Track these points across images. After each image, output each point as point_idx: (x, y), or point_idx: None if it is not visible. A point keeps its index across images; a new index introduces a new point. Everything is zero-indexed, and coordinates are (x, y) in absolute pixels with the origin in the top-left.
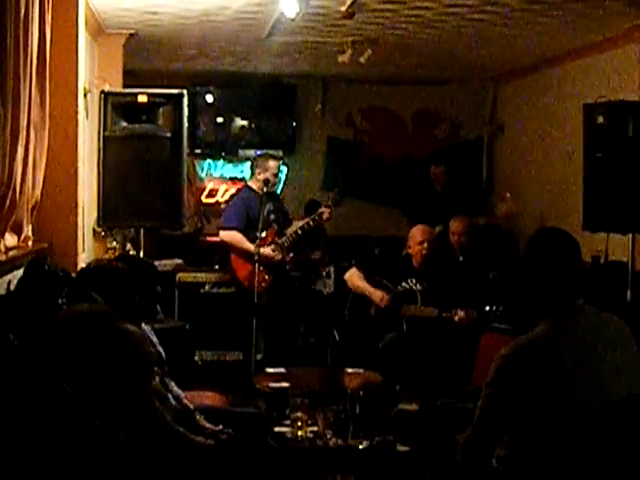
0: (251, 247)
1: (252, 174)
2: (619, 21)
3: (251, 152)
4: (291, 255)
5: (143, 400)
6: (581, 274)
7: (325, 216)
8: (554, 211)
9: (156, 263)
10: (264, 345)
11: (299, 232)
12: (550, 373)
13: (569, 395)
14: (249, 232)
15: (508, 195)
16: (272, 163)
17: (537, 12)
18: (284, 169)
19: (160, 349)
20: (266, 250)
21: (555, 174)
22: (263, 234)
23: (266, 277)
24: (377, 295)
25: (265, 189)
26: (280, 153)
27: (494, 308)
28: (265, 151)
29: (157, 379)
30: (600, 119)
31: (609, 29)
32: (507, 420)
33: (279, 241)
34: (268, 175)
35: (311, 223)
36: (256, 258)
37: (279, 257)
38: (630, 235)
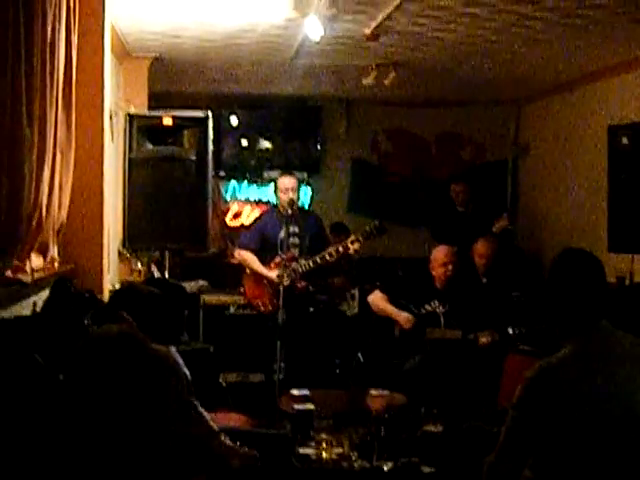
0: (260, 269)
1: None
2: None
3: (275, 174)
4: (303, 284)
5: (185, 412)
6: (605, 295)
7: (351, 251)
8: (579, 232)
9: None
10: (284, 366)
11: (317, 261)
12: (575, 395)
13: (594, 417)
14: (265, 253)
15: (505, 214)
16: (281, 180)
17: (562, 35)
18: (308, 190)
19: (186, 370)
20: (272, 274)
21: (580, 195)
22: (278, 256)
23: (274, 301)
24: (402, 317)
25: (289, 210)
26: (304, 175)
27: (517, 331)
28: (280, 171)
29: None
30: (624, 140)
31: (634, 50)
32: (533, 442)
33: (292, 266)
34: (278, 193)
35: (333, 254)
36: (277, 281)
37: (285, 284)
38: None
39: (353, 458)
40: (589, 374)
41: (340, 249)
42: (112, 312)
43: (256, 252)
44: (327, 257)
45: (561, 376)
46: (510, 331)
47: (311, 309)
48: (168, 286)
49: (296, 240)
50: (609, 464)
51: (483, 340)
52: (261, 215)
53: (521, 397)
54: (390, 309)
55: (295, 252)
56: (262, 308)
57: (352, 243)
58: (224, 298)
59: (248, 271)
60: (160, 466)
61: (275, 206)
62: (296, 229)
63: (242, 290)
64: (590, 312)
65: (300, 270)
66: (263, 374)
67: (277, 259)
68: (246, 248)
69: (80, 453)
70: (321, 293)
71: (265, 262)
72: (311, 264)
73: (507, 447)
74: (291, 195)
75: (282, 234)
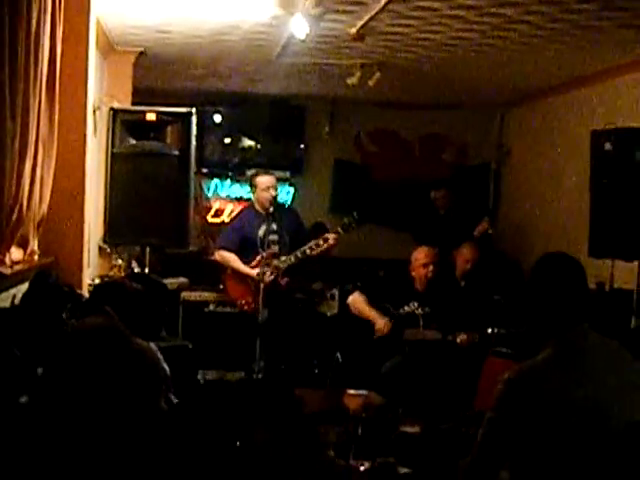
0: (240, 267)
1: (252, 194)
2: (629, 48)
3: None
4: (286, 279)
5: (153, 413)
6: (586, 299)
7: (330, 242)
8: (560, 237)
9: None
10: (264, 366)
11: (298, 255)
12: (553, 399)
13: (572, 420)
14: (245, 252)
15: (486, 218)
16: (259, 179)
17: (547, 39)
18: (291, 190)
19: (165, 366)
20: (252, 271)
21: (561, 200)
22: (259, 254)
23: (256, 298)
24: (379, 322)
25: (269, 209)
26: (287, 174)
27: (496, 331)
28: (257, 169)
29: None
30: (607, 145)
31: (618, 56)
32: (510, 445)
33: (273, 263)
34: (259, 192)
35: (314, 247)
36: (258, 278)
37: (267, 280)
38: (636, 262)
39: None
40: (567, 377)
41: (321, 242)
42: (93, 306)
43: (236, 251)
44: (308, 251)
45: (539, 379)
46: (489, 331)
47: (291, 309)
48: (149, 282)
49: (275, 237)
50: (586, 467)
51: (462, 338)
52: (238, 214)
53: (499, 399)
54: (368, 312)
55: (275, 249)
56: (245, 307)
57: (330, 235)
58: (204, 295)
59: (229, 270)
60: (139, 456)
61: (252, 205)
62: (275, 226)
63: (223, 290)
64: (570, 315)
65: (282, 266)
66: (242, 372)
67: (258, 257)
68: (226, 248)
69: (59, 447)
70: (301, 292)
71: (246, 261)
72: (292, 259)
73: (484, 449)
74: (272, 193)
75: (261, 232)
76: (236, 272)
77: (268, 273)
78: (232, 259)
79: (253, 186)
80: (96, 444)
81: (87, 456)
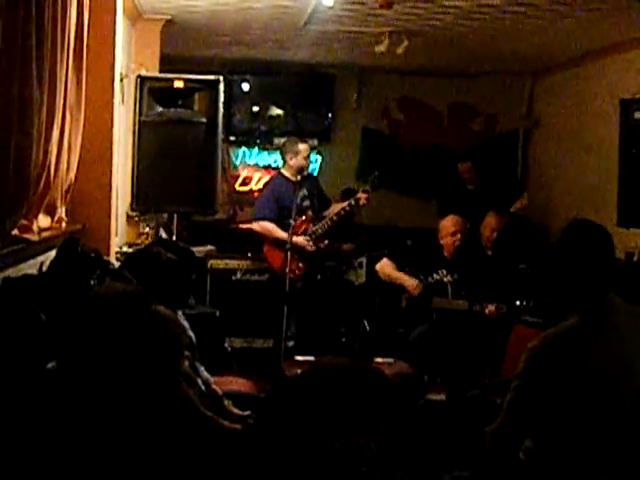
0: (283, 236)
1: (284, 161)
2: None
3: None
4: (326, 242)
5: (172, 384)
6: (613, 267)
7: (362, 202)
8: (588, 207)
9: None
10: (296, 333)
11: (334, 218)
12: (579, 366)
13: (597, 389)
14: (283, 221)
15: (525, 194)
16: (302, 146)
17: (576, 6)
18: (318, 158)
19: (191, 334)
20: (298, 239)
21: (590, 169)
22: (295, 222)
23: (300, 265)
24: (410, 283)
25: (298, 176)
26: (315, 142)
27: (524, 303)
28: (291, 136)
29: (187, 363)
30: (636, 115)
31: None
32: (535, 412)
33: (313, 228)
34: (299, 159)
35: (347, 208)
36: (288, 247)
37: (312, 246)
38: None
39: None
40: (593, 344)
41: (352, 202)
42: (120, 272)
43: (274, 221)
44: (342, 212)
45: (565, 346)
46: (517, 303)
47: (319, 277)
48: (177, 249)
49: (308, 203)
50: (610, 434)
51: (490, 310)
52: (270, 184)
53: (525, 367)
54: (398, 275)
55: (310, 214)
56: (292, 275)
57: (361, 194)
58: (231, 263)
59: (269, 241)
60: (155, 427)
61: (280, 173)
62: (305, 192)
63: (267, 263)
64: (597, 283)
65: (320, 231)
66: (271, 340)
67: (297, 223)
68: (265, 219)
69: (78, 413)
70: (330, 259)
71: (284, 230)
72: (329, 222)
73: (509, 417)
74: (308, 160)
75: (298, 199)
76: (276, 243)
77: (310, 239)
78: (274, 229)
79: (293, 152)
80: (113, 408)
81: (106, 420)
